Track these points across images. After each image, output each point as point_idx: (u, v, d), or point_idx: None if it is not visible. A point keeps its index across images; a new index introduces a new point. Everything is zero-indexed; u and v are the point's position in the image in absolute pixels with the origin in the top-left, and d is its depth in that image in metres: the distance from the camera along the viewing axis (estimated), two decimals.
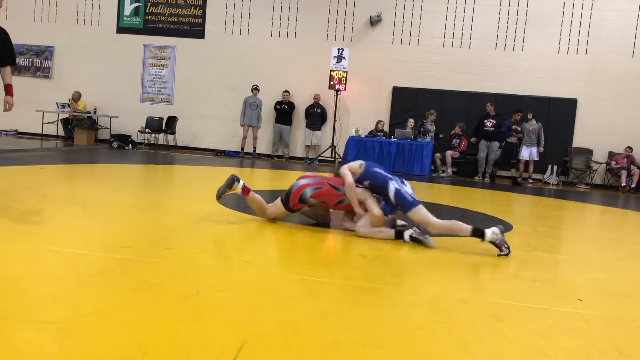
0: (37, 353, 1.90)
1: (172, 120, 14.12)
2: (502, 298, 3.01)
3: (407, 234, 4.18)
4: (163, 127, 14.07)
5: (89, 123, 13.64)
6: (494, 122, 12.30)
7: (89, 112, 13.85)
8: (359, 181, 4.44)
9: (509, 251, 3.95)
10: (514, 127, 11.99)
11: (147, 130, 13.89)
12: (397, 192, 4.28)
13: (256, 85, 13.47)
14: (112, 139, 13.51)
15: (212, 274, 3.09)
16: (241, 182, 4.68)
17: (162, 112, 14.35)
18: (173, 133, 14.10)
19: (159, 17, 14.52)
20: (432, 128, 12.60)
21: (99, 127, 14.16)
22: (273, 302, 2.64)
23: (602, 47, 12.67)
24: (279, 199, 4.67)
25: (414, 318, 2.56)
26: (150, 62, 14.66)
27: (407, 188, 4.40)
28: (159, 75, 14.65)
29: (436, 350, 2.17)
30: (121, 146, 13.22)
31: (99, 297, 2.50)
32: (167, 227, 4.31)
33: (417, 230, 4.20)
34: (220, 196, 4.68)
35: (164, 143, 14.25)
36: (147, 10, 14.55)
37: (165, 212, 5.04)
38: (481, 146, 12.39)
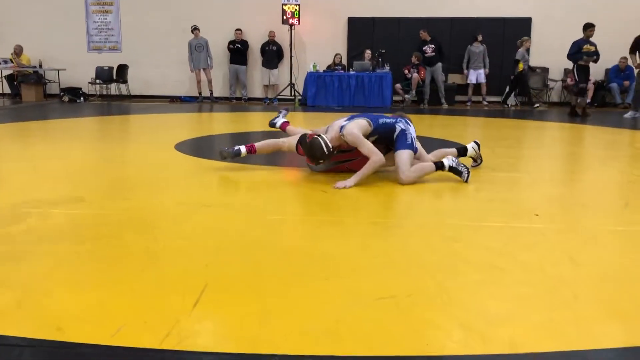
0: None
1: (122, 68, 13.61)
2: (459, 219, 3.06)
3: (446, 163, 4.02)
4: (114, 77, 13.58)
5: (36, 78, 13.05)
6: (433, 46, 12.25)
7: (34, 67, 13.23)
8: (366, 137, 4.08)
9: (468, 173, 3.98)
10: (585, 47, 10.09)
11: (97, 81, 13.39)
12: (402, 132, 4.05)
13: (195, 25, 12.92)
14: (62, 93, 13.00)
15: (171, 221, 3.05)
16: (242, 147, 4.45)
17: (111, 61, 13.78)
18: (125, 82, 13.63)
19: None
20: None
21: (47, 81, 13.58)
22: (234, 244, 2.63)
23: None
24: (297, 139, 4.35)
25: (373, 247, 2.59)
26: (93, 9, 13.95)
27: (412, 129, 4.15)
28: (104, 22, 13.99)
29: (395, 276, 2.21)
30: (72, 99, 12.75)
31: (54, 254, 2.44)
32: (123, 179, 4.22)
33: (456, 160, 4.05)
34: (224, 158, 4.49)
35: (117, 93, 13.79)
36: None
37: (122, 163, 4.93)
38: (426, 74, 12.35)
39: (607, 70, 12.42)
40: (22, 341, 1.66)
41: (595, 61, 10.15)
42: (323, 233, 2.85)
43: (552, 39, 12.75)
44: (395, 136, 4.05)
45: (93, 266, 2.32)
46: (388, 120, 4.12)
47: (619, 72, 11.95)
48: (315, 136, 3.93)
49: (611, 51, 11.79)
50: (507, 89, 12.55)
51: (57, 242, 2.62)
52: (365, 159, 3.95)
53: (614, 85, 12.00)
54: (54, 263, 2.33)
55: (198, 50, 12.99)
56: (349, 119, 4.09)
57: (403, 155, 3.94)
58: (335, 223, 3.04)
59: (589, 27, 10.06)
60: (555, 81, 12.90)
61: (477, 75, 12.44)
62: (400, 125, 4.07)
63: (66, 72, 13.52)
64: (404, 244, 2.66)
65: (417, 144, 4.16)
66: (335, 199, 3.53)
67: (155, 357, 1.57)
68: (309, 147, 3.92)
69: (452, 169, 4.00)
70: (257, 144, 4.54)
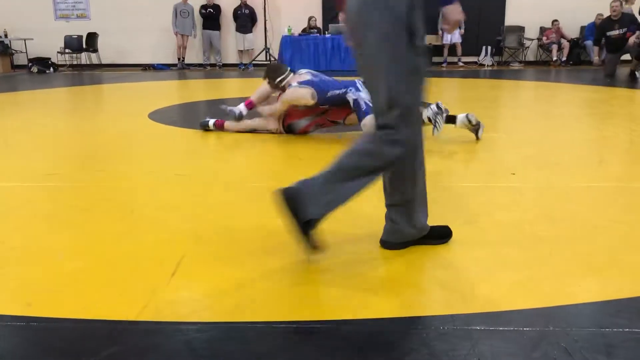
0: None
1: (92, 37, 13.23)
2: (438, 181, 3.06)
3: (425, 114, 3.88)
4: (84, 46, 13.20)
5: (1, 48, 12.63)
6: None
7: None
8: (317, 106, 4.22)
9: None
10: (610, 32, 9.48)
11: (67, 50, 13.02)
12: (355, 101, 4.05)
13: None
14: (30, 64, 12.62)
15: (146, 191, 2.99)
16: (210, 120, 4.64)
17: (80, 29, 13.38)
18: (95, 51, 13.27)
19: None
20: None
21: (14, 51, 13.16)
22: (211, 212, 2.59)
23: None
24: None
25: (355, 211, 2.57)
26: None
27: (363, 93, 4.11)
28: None
29: (373, 238, 2.20)
30: (41, 70, 12.40)
31: (27, 229, 2.38)
32: (96, 150, 4.12)
33: (435, 109, 3.94)
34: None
35: (88, 62, 13.44)
36: None
37: (94, 134, 4.81)
38: None
39: (583, 28, 12.44)
40: None
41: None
42: None
43: None
44: (351, 106, 4.08)
45: (66, 238, 2.27)
46: (337, 92, 4.12)
47: (595, 28, 11.95)
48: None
49: (587, 8, 11.80)
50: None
51: (29, 215, 2.56)
52: (342, 109, 4.13)
53: (589, 42, 12.03)
54: (25, 236, 2.28)
55: (183, 16, 12.71)
56: (304, 82, 4.19)
57: (367, 124, 3.91)
58: None
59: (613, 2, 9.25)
60: (531, 40, 12.89)
61: (451, 36, 12.38)
62: (351, 95, 4.07)
63: (34, 42, 13.11)
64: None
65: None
66: (312, 165, 3.50)
67: (133, 329, 1.55)
68: (269, 67, 4.54)
69: (429, 119, 3.93)
70: (226, 122, 4.63)
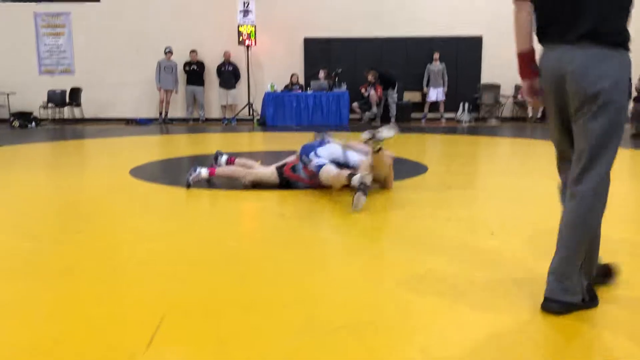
0: None
1: (75, 91, 13.32)
2: (419, 240, 3.09)
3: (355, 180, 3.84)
4: (67, 100, 13.27)
5: None
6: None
7: None
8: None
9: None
10: None
11: (50, 104, 13.06)
12: (317, 167, 4.26)
13: (169, 47, 12.89)
14: (12, 118, 12.60)
15: (126, 250, 2.97)
16: (203, 169, 4.69)
17: (64, 83, 13.47)
18: (79, 105, 13.33)
19: None
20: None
21: None
22: (191, 271, 2.58)
23: None
24: (273, 165, 4.67)
25: (332, 271, 2.58)
26: (45, 32, 13.65)
27: (322, 153, 4.33)
28: (56, 44, 13.69)
29: (356, 301, 2.20)
30: (23, 124, 12.36)
31: (6, 291, 2.34)
32: (76, 208, 4.10)
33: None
34: (189, 185, 4.64)
35: (71, 117, 13.47)
36: None
37: (74, 191, 4.79)
38: (382, 92, 12.51)
39: None
40: None
41: None
42: (282, 257, 2.82)
43: (503, 57, 13.11)
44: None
45: (44, 301, 2.23)
46: (314, 163, 4.31)
47: None
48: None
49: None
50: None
51: (7, 278, 2.52)
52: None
53: None
54: (4, 300, 2.24)
55: (167, 72, 12.91)
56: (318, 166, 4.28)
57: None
58: (293, 246, 3.03)
59: None
60: (507, 97, 13.28)
61: (437, 93, 12.78)
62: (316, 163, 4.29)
63: (16, 96, 13.14)
64: (365, 266, 2.66)
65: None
66: (293, 222, 3.51)
67: None
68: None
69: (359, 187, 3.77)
70: (217, 169, 4.75)
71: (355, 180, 3.75)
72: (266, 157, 6.28)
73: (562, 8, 1.99)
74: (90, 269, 2.63)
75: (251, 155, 6.54)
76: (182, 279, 2.48)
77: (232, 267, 2.65)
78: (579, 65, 1.94)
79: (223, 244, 3.06)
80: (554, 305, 2.04)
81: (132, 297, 2.26)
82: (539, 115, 12.61)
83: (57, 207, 4.11)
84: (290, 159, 4.71)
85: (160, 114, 13.11)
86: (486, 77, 13.33)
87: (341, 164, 4.29)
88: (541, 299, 2.08)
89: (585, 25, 1.93)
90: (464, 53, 13.19)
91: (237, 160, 5.02)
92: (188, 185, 4.63)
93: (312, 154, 4.35)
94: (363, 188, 3.68)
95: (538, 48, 2.13)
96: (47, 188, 4.92)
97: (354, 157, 4.34)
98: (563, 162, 2.19)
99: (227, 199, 4.41)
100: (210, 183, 4.81)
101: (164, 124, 12.91)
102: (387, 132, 4.04)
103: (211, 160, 5.17)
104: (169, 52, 12.90)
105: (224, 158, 5.08)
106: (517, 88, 13.09)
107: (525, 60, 2.13)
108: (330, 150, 4.39)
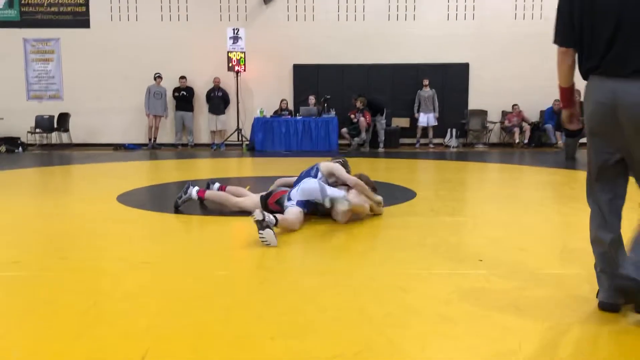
0: None
1: (64, 117, 13.28)
2: (408, 268, 3.07)
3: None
4: (55, 126, 13.22)
5: None
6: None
7: None
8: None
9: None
10: None
11: (37, 130, 13.00)
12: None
13: (159, 73, 12.94)
14: None
15: (110, 281, 2.92)
16: (194, 189, 4.74)
17: (52, 109, 13.44)
18: (67, 131, 13.29)
19: (37, 7, 13.49)
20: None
21: None
22: (176, 303, 2.54)
23: (487, 12, 13.24)
24: (259, 195, 4.64)
25: (321, 301, 2.55)
26: (33, 57, 13.66)
27: (294, 195, 4.26)
28: (45, 70, 13.69)
29: (344, 333, 2.17)
30: (10, 150, 12.29)
31: None
32: (61, 235, 4.05)
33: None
34: (177, 206, 4.73)
35: (58, 142, 13.41)
36: (23, 2, 13.47)
37: (60, 218, 4.73)
38: (371, 119, 12.60)
39: (542, 112, 13.03)
40: None
41: None
42: (270, 287, 2.79)
43: (489, 83, 13.34)
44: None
45: (24, 335, 2.18)
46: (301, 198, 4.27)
47: (553, 113, 12.53)
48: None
49: (545, 94, 12.42)
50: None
51: None
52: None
53: (549, 126, 12.57)
54: None
55: (156, 97, 12.95)
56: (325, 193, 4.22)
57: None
58: (282, 276, 3.00)
59: None
60: (494, 123, 13.42)
61: (427, 118, 12.91)
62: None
63: (4, 122, 13.06)
64: (354, 296, 2.64)
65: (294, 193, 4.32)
66: (282, 251, 3.49)
67: None
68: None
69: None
70: (207, 192, 4.77)
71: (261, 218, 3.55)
72: (255, 183, 6.27)
73: (614, 47, 2.22)
74: (73, 299, 2.58)
75: (239, 180, 6.52)
76: (168, 311, 2.44)
77: (219, 298, 2.61)
78: (634, 97, 2.16)
79: (210, 273, 3.02)
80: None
81: (113, 331, 2.21)
82: (526, 140, 12.73)
83: (42, 234, 4.05)
84: (279, 188, 4.68)
85: (150, 139, 13.09)
86: (473, 104, 13.49)
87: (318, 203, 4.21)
88: (531, 328, 2.07)
89: (637, 62, 2.17)
90: (451, 79, 13.36)
91: (228, 189, 5.00)
92: (177, 207, 4.65)
93: (286, 201, 4.26)
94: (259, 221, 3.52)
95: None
96: (32, 214, 4.86)
97: (333, 192, 4.22)
98: (599, 182, 2.42)
99: (215, 224, 4.37)
100: (200, 206, 4.81)
101: (152, 149, 12.88)
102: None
103: (201, 186, 5.13)
104: (158, 77, 12.97)
105: (215, 186, 5.06)
106: (504, 114, 13.25)
107: (568, 93, 2.50)
108: (308, 190, 4.23)
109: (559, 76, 2.47)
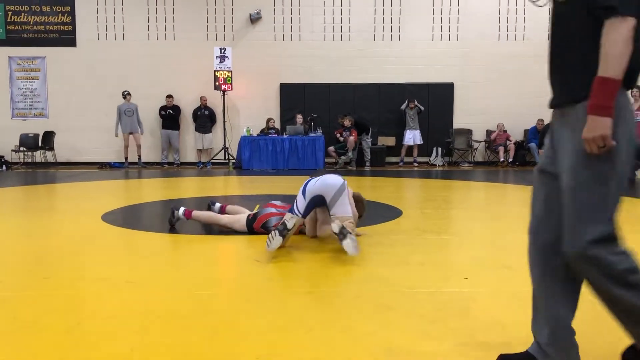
0: None
1: (49, 135, 13.21)
2: (393, 286, 3.08)
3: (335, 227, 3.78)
4: (39, 144, 13.13)
5: None
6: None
7: None
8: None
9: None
10: None
11: (22, 148, 12.91)
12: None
13: (127, 90, 12.92)
14: None
15: (94, 301, 2.89)
16: (181, 209, 4.79)
17: (37, 127, 13.37)
18: (52, 149, 13.20)
19: (23, 26, 13.49)
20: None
21: None
22: (161, 323, 2.52)
23: (471, 33, 13.46)
24: (246, 215, 4.63)
25: (307, 320, 2.55)
26: (18, 76, 13.61)
27: (299, 198, 4.15)
28: (30, 88, 13.65)
29: (330, 351, 2.17)
30: None
31: None
32: (45, 254, 4.00)
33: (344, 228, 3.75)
34: (172, 225, 4.81)
35: (43, 160, 13.31)
36: (9, 20, 13.47)
37: (44, 236, 4.69)
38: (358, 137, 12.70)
39: (526, 131, 13.19)
40: None
41: None
42: (255, 306, 2.78)
43: (474, 103, 13.52)
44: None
45: (8, 356, 2.15)
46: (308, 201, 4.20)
47: (537, 132, 12.70)
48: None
49: (529, 113, 12.59)
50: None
51: None
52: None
53: (533, 145, 12.73)
54: None
55: (127, 115, 12.87)
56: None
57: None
58: (269, 295, 2.99)
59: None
60: (479, 142, 13.56)
61: (414, 136, 13.02)
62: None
63: None
64: (340, 314, 2.63)
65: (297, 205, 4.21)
66: (268, 269, 3.48)
67: None
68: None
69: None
70: (194, 212, 4.76)
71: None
72: (240, 201, 6.26)
73: None
74: (56, 320, 2.55)
75: (225, 199, 6.51)
76: (152, 331, 2.42)
77: (204, 320, 2.59)
78: None
79: (195, 293, 3.00)
80: None
81: (97, 351, 2.19)
82: (510, 159, 12.86)
83: (25, 253, 4.00)
84: (264, 210, 4.59)
85: (126, 159, 13.01)
86: (458, 123, 13.64)
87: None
88: (517, 347, 2.08)
89: None
90: (436, 99, 13.52)
91: (229, 208, 5.05)
92: (171, 225, 4.77)
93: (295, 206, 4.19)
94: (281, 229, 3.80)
95: None
96: (15, 233, 4.80)
97: (343, 209, 4.03)
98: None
99: (201, 243, 4.35)
100: (190, 225, 4.86)
101: (128, 168, 12.80)
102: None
103: (188, 206, 5.15)
104: (127, 94, 12.91)
105: (216, 206, 5.10)
106: (489, 133, 13.40)
107: (616, 90, 1.63)
108: (331, 184, 4.08)
109: (618, 62, 1.61)
